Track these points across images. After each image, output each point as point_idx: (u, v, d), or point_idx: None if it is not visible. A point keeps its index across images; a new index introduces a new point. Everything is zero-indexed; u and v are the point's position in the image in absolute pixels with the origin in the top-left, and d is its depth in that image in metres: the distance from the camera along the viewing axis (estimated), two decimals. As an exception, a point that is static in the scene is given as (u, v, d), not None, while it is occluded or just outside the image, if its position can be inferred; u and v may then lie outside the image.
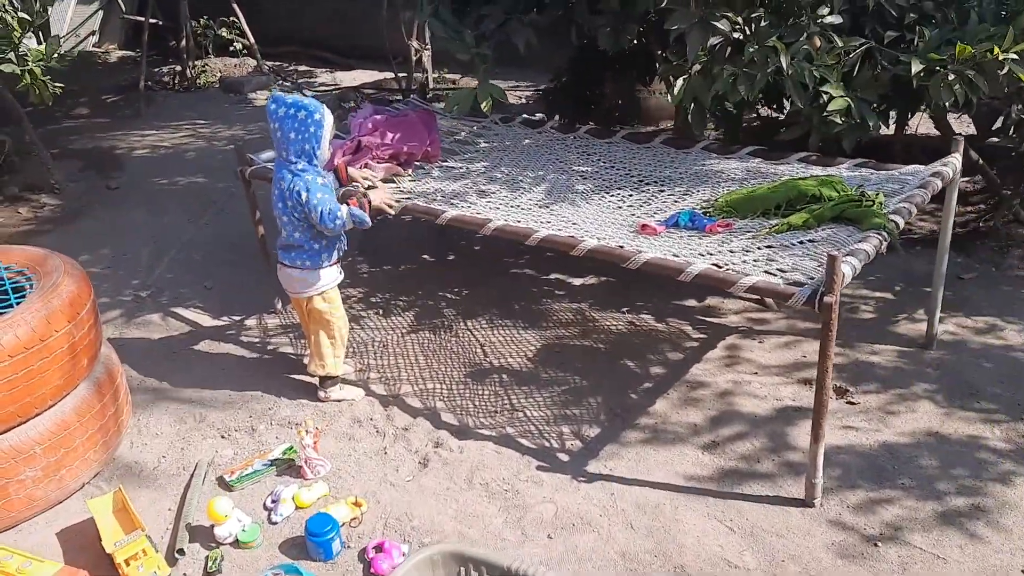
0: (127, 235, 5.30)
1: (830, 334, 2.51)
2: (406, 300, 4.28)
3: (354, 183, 3.50)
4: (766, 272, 2.73)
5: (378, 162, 3.79)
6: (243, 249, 4.90)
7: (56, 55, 4.59)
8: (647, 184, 3.64)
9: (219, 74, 9.19)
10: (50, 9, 4.76)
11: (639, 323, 3.96)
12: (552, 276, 4.42)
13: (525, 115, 4.56)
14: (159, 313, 4.32)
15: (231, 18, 9.07)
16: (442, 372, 3.67)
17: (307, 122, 3.12)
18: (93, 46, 11.21)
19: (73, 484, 3.02)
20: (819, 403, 2.63)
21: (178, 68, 9.05)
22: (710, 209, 3.27)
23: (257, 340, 4.02)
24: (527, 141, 4.21)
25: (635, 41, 4.06)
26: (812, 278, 2.62)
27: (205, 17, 9.48)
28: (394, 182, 3.80)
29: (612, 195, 3.56)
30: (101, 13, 11.14)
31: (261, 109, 8.12)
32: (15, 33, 4.61)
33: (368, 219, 3.24)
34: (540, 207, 3.49)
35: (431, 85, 7.91)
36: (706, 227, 3.09)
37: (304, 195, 3.13)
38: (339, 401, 3.49)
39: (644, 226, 3.14)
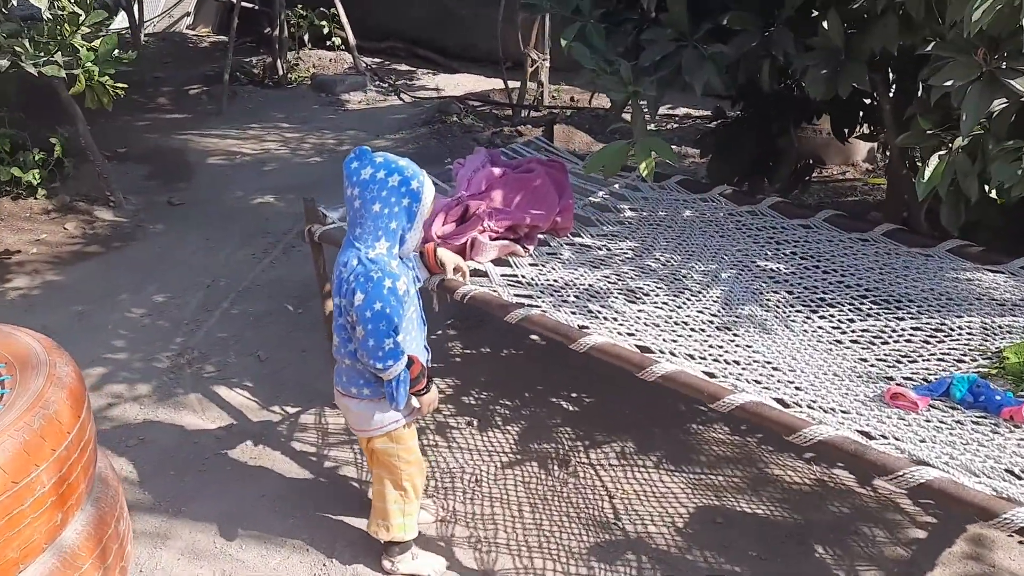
0: (179, 270, 4.44)
1: None
2: (508, 406, 3.26)
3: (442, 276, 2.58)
4: None
5: (491, 237, 2.78)
6: (309, 305, 3.98)
7: (114, 55, 3.70)
8: (876, 304, 2.52)
9: (312, 70, 8.35)
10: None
11: (831, 479, 2.84)
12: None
13: (682, 176, 3.47)
14: (197, 393, 3.41)
15: (331, 9, 8.23)
16: (555, 539, 2.63)
17: (400, 192, 2.13)
18: (187, 28, 10.60)
19: None
20: None
21: (268, 60, 8.26)
22: (994, 371, 2.14)
23: (312, 450, 3.06)
24: (688, 213, 3.14)
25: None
26: None
27: (301, 5, 8.68)
28: (509, 264, 2.78)
29: (824, 318, 2.47)
30: (197, -7, 10.52)
31: (353, 113, 7.25)
32: (65, 27, 3.76)
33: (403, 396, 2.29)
34: (717, 327, 2.43)
35: (546, 101, 6.87)
36: (1001, 410, 1.97)
37: (358, 297, 2.14)
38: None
39: (895, 395, 2.04)
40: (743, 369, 2.20)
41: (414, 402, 2.33)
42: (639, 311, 2.50)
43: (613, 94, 2.94)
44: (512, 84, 6.81)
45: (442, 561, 2.54)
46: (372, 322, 2.13)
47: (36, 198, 5.13)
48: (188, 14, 10.59)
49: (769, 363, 2.24)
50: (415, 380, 2.26)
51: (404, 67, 8.67)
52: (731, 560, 2.53)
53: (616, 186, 3.33)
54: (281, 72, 8.11)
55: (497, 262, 2.77)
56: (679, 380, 2.08)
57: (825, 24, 2.79)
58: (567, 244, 2.93)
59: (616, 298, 2.57)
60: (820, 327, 2.42)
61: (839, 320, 2.45)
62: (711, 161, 3.66)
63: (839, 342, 2.35)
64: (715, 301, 2.57)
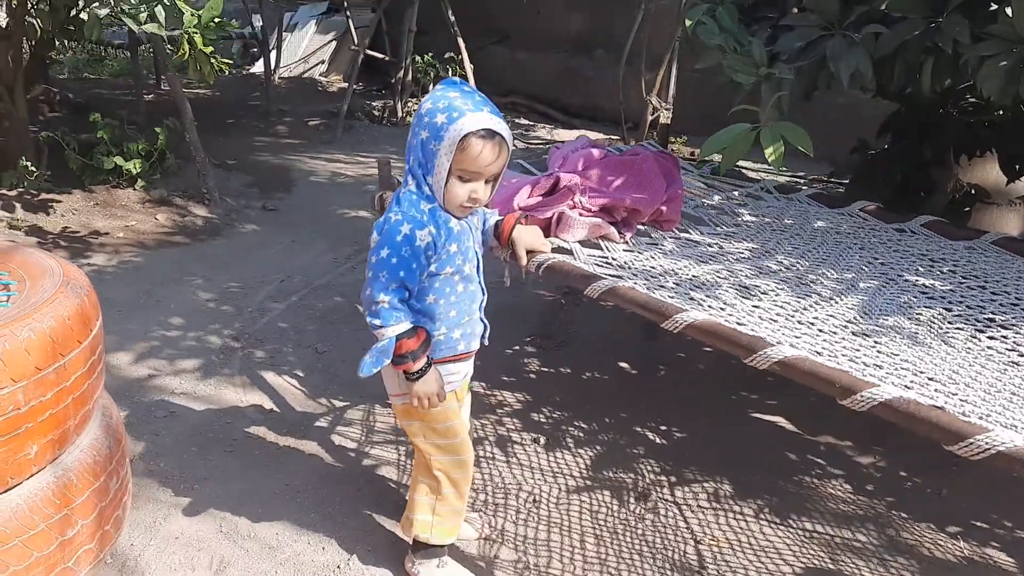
0: (256, 264, 4.21)
1: None
2: (584, 429, 2.79)
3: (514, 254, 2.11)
4: None
5: (582, 214, 2.37)
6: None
7: (215, 21, 3.55)
8: (1062, 328, 1.97)
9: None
10: None
11: (984, 558, 2.23)
12: (821, 439, 2.77)
13: (816, 189, 3.00)
14: (244, 375, 3.08)
15: (459, 56, 8.21)
16: (621, 578, 2.12)
17: (422, 122, 1.76)
18: (320, 75, 10.87)
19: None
20: None
21: (390, 102, 8.28)
22: None
23: (353, 446, 2.66)
24: (820, 223, 2.66)
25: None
26: None
27: (430, 54, 8.71)
28: (599, 247, 2.36)
29: (994, 339, 1.93)
30: (334, 44, 10.81)
31: (464, 154, 7.06)
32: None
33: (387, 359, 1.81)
34: (853, 333, 1.92)
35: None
36: None
37: (373, 238, 1.81)
38: None
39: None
40: (888, 374, 1.69)
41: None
42: (753, 306, 2.03)
43: (741, 77, 2.54)
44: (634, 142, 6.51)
45: None
46: (374, 269, 1.77)
47: (135, 189, 5.06)
48: (323, 62, 10.88)
49: (923, 372, 1.72)
50: (402, 356, 1.80)
51: (524, 120, 8.51)
52: (845, 637, 1.96)
53: (736, 193, 2.88)
54: (400, 114, 8.10)
55: (585, 244, 2.36)
56: (801, 368, 1.60)
57: (1009, 11, 2.33)
58: (672, 238, 2.49)
59: (726, 291, 2.11)
60: (990, 347, 1.89)
61: (1014, 342, 1.91)
62: (849, 187, 3.17)
63: (1016, 364, 1.81)
64: (851, 308, 2.07)
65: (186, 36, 3.51)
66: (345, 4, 9.27)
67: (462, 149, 1.72)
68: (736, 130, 2.39)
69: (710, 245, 2.44)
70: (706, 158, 2.48)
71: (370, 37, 9.32)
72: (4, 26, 4.59)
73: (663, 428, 2.81)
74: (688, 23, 2.64)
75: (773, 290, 2.15)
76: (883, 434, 2.76)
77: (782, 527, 2.33)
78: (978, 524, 2.36)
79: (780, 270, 2.29)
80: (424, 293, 1.85)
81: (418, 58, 8.47)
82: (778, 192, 2.91)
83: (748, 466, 2.60)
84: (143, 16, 3.32)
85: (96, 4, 3.32)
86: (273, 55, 8.94)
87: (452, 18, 7.98)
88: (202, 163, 5.05)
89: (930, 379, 1.69)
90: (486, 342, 2.01)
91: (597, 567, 2.16)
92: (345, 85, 10.23)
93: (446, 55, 8.55)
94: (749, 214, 2.72)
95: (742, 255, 2.38)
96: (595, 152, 2.61)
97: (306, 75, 10.68)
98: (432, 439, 1.96)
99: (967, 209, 3.04)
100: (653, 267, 2.24)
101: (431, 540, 2.01)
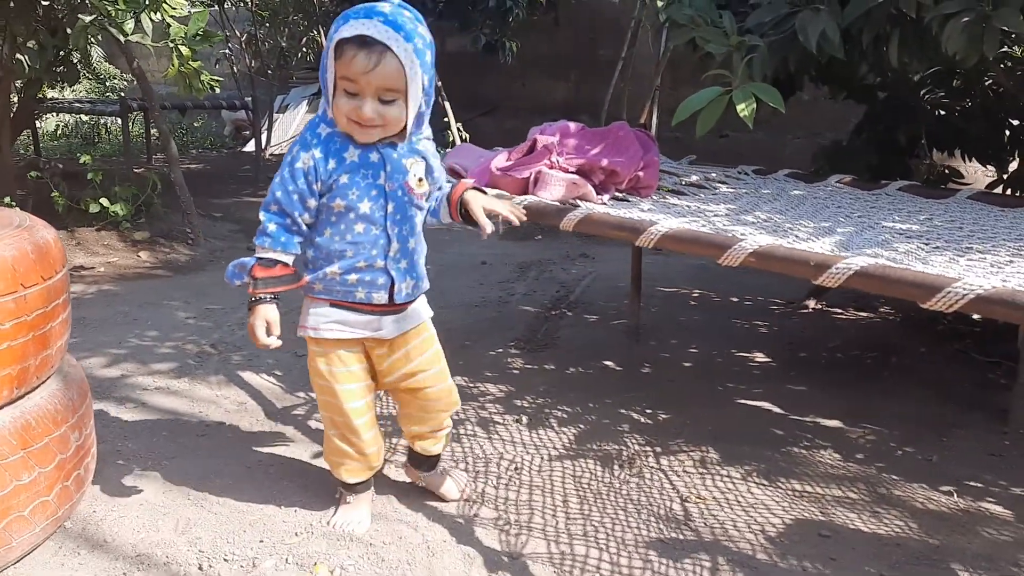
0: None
1: None
2: (567, 412, 2.72)
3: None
4: None
5: (560, 171, 2.38)
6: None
7: (199, 33, 3.61)
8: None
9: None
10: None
11: (980, 510, 2.13)
12: (808, 418, 2.70)
13: (792, 170, 3.02)
14: (220, 374, 3.02)
15: (447, 120, 8.37)
16: (605, 529, 2.03)
17: (332, 32, 1.72)
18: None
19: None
20: None
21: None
22: None
23: (329, 428, 2.58)
24: (798, 192, 2.67)
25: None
26: None
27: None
28: (576, 206, 2.35)
29: (972, 260, 1.91)
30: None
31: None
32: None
33: (241, 279, 1.85)
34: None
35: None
36: None
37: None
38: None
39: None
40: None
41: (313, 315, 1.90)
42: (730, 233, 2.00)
43: (713, 47, 2.59)
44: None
45: (366, 519, 2.02)
46: (271, 188, 1.77)
47: (119, 230, 5.07)
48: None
49: (901, 262, 1.69)
50: (252, 279, 1.79)
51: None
52: (840, 573, 1.86)
53: (714, 174, 2.90)
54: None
55: (562, 203, 2.35)
56: (776, 255, 1.58)
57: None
58: (649, 202, 2.49)
59: (704, 227, 2.09)
60: (969, 263, 1.87)
61: (993, 261, 1.89)
62: (824, 171, 3.18)
63: (997, 267, 1.78)
64: (828, 245, 2.05)
65: (173, 49, 3.58)
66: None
67: (339, 57, 1.66)
68: (709, 93, 2.42)
69: (688, 206, 2.44)
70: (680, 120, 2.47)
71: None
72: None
73: (648, 411, 2.74)
74: (659, 4, 2.71)
75: (751, 234, 2.13)
76: (871, 411, 2.70)
77: (770, 488, 2.24)
78: (972, 484, 2.28)
79: (757, 222, 2.28)
80: (321, 225, 1.82)
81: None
82: (755, 174, 2.93)
83: (735, 439, 2.52)
84: (129, 26, 3.39)
85: (82, 15, 3.38)
86: (264, 135, 9.11)
87: (439, 83, 8.19)
88: (187, 203, 5.07)
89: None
90: (397, 300, 1.88)
91: (580, 522, 2.06)
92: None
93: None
94: (727, 188, 2.73)
95: (720, 212, 2.37)
96: (572, 126, 2.63)
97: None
98: (315, 379, 1.96)
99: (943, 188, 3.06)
100: (630, 214, 2.22)
101: (333, 473, 2.03)
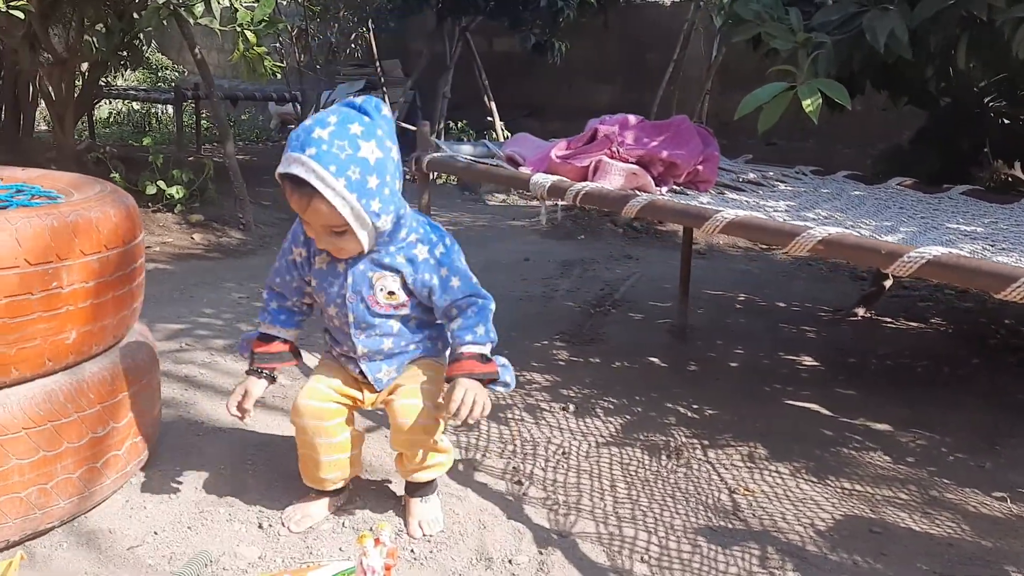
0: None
1: None
2: (613, 403, 2.74)
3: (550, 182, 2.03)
4: None
5: (620, 161, 2.40)
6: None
7: (265, 19, 3.68)
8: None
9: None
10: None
11: (1022, 514, 2.13)
12: (858, 421, 2.69)
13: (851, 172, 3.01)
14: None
15: (492, 119, 8.44)
16: (653, 514, 2.04)
17: None
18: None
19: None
20: None
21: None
22: None
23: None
24: (858, 192, 2.66)
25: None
26: None
27: (464, 121, 8.97)
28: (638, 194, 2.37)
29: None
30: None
31: (492, 208, 7.16)
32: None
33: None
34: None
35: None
36: None
37: None
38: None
39: None
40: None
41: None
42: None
43: (779, 43, 2.60)
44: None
45: (320, 512, 1.95)
46: None
47: (174, 212, 5.18)
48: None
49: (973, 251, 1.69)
50: (254, 355, 1.90)
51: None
52: (891, 568, 1.85)
53: (771, 172, 2.90)
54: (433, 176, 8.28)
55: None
56: (845, 243, 1.58)
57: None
58: (707, 196, 2.50)
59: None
60: (1034, 264, 1.86)
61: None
62: (885, 174, 3.16)
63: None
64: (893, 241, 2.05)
65: (239, 34, 3.66)
66: (382, 80, 9.61)
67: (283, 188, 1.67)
68: (773, 88, 2.42)
69: (747, 201, 2.45)
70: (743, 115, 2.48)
71: (405, 112, 9.65)
72: (60, 51, 4.82)
73: (695, 407, 2.74)
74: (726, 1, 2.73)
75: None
76: (922, 418, 2.68)
77: (820, 485, 2.24)
78: (1025, 488, 2.26)
79: (818, 219, 2.28)
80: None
81: (452, 124, 8.72)
82: (813, 174, 2.93)
83: (783, 437, 2.52)
84: (199, 9, 3.48)
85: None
86: (310, 128, 9.22)
87: (486, 82, 8.28)
88: (240, 189, 5.16)
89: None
90: (377, 387, 1.91)
91: (628, 506, 2.08)
92: (378, 154, 10.57)
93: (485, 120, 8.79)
94: (785, 186, 2.74)
95: (779, 208, 2.38)
96: (632, 118, 2.65)
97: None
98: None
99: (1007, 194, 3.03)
100: (690, 203, 2.24)
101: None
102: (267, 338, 1.89)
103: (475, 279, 1.85)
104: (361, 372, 1.91)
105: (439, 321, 1.90)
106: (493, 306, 1.84)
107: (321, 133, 1.61)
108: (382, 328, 1.85)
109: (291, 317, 1.92)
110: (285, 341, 1.91)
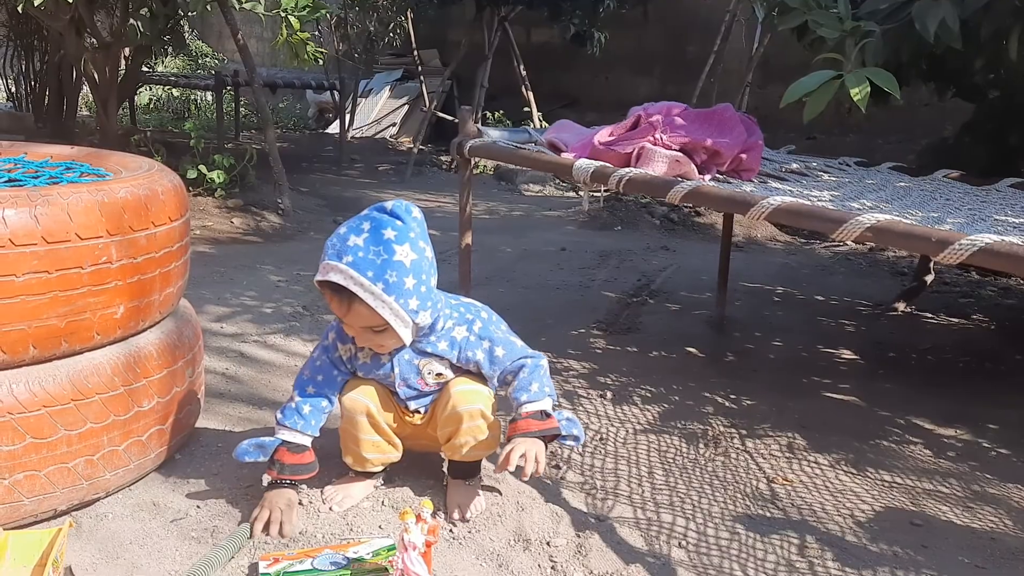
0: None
1: None
2: (650, 391, 2.73)
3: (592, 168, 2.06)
4: None
5: (664, 148, 2.39)
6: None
7: (309, 5, 3.71)
8: None
9: (499, 166, 8.49)
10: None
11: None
12: (898, 415, 2.66)
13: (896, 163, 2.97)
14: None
15: (529, 109, 8.43)
16: (691, 501, 2.04)
17: None
18: (390, 136, 11.24)
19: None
20: None
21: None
22: None
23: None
24: (903, 184, 2.63)
25: None
26: None
27: (501, 111, 8.97)
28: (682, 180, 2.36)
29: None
30: (406, 108, 11.20)
31: (528, 198, 7.17)
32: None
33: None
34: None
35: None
36: None
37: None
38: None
39: None
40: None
41: None
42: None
43: (826, 31, 2.56)
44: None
45: (345, 502, 1.93)
46: (309, 358, 2.00)
47: (214, 196, 5.24)
48: (394, 124, 11.26)
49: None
50: (273, 462, 1.86)
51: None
52: (933, 561, 1.83)
53: (815, 163, 2.87)
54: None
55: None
56: (896, 231, 1.57)
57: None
58: (750, 185, 2.48)
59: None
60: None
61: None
62: (931, 167, 3.12)
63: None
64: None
65: (283, 18, 3.70)
66: (420, 70, 9.63)
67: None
68: (821, 76, 2.39)
69: (791, 190, 2.43)
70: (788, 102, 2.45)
71: (442, 101, 9.68)
72: (105, 36, 4.89)
73: (732, 396, 2.73)
74: (773, -12, 2.70)
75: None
76: (964, 413, 2.65)
77: (859, 476, 2.22)
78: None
79: (864, 208, 2.25)
80: None
81: (488, 114, 8.72)
82: (857, 166, 2.90)
83: (822, 428, 2.50)
84: (246, -4, 3.53)
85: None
86: (348, 118, 9.30)
87: (523, 72, 8.27)
88: (279, 175, 5.22)
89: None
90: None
91: (666, 492, 2.08)
92: (413, 146, 10.61)
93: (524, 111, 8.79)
94: (829, 176, 2.71)
95: (824, 197, 2.35)
96: (675, 106, 2.64)
97: (377, 136, 11.06)
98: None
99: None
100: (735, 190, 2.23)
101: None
102: (296, 448, 1.86)
103: (520, 343, 1.91)
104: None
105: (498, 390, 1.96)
106: (545, 362, 1.90)
107: (356, 240, 1.69)
108: (433, 395, 1.94)
109: (320, 417, 1.91)
110: (311, 450, 1.89)
